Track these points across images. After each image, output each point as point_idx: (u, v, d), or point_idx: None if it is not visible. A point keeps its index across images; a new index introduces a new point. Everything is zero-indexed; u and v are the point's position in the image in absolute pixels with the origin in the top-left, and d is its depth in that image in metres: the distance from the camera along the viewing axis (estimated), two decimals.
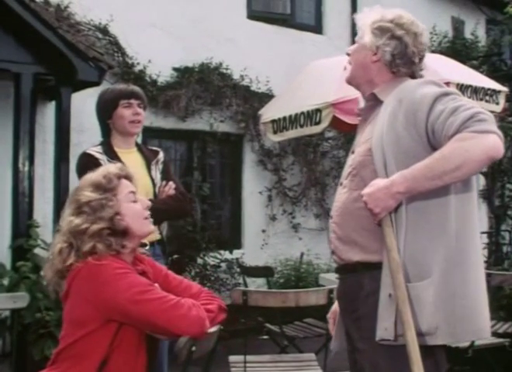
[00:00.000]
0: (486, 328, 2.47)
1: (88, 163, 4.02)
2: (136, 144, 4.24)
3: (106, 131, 4.18)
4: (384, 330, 2.36)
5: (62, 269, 2.53)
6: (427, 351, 2.34)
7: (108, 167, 2.71)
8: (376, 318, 2.39)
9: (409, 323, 2.27)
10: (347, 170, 2.63)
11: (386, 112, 2.47)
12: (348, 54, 2.72)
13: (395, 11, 2.62)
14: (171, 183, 4.07)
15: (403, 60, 2.58)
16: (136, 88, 4.22)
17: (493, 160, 2.30)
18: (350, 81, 2.74)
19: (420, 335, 2.33)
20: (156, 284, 2.58)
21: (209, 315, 2.58)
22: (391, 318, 2.35)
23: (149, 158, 4.17)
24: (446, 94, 2.40)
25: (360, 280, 2.49)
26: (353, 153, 2.64)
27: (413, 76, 2.62)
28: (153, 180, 4.09)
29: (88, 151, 4.09)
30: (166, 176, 4.18)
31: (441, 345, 2.44)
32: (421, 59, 2.62)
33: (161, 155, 4.27)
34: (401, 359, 2.30)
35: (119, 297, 2.42)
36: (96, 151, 4.06)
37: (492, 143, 2.25)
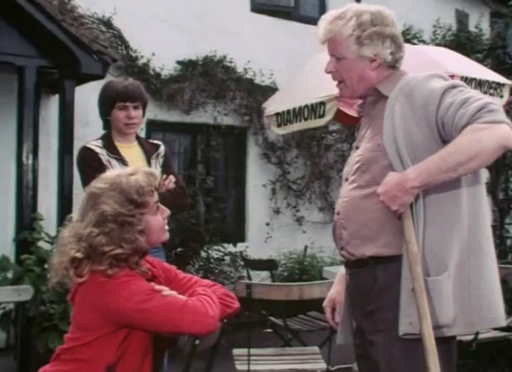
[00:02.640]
0: (502, 316, 2.49)
1: (87, 157, 4.03)
2: (137, 138, 4.25)
3: (107, 126, 4.21)
4: (409, 325, 2.36)
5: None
6: (441, 342, 2.35)
7: (140, 180, 2.51)
8: (391, 310, 2.40)
9: (426, 315, 2.29)
10: (353, 165, 2.60)
11: (395, 108, 2.45)
12: (331, 72, 2.67)
13: (361, 9, 2.57)
14: (171, 176, 4.06)
15: (399, 52, 2.58)
16: (134, 88, 4.17)
17: (507, 150, 2.30)
18: (351, 97, 2.72)
19: (439, 327, 2.35)
20: (163, 286, 2.52)
21: (222, 303, 2.57)
22: (415, 313, 2.34)
23: (149, 152, 4.19)
24: (454, 86, 2.41)
25: (373, 273, 2.49)
26: (357, 148, 2.63)
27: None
28: None
29: (88, 145, 4.10)
30: (166, 169, 4.19)
31: (453, 336, 2.46)
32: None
33: (162, 148, 4.28)
34: (416, 351, 2.32)
35: (123, 306, 2.37)
36: (96, 145, 4.07)
37: (506, 133, 2.26)
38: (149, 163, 4.12)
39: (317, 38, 2.65)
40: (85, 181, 3.94)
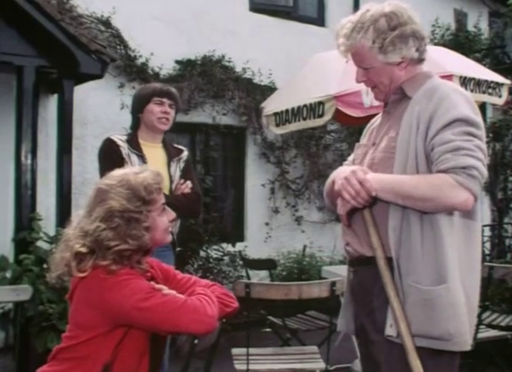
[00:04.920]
0: None
1: (108, 149, 4.10)
2: (163, 141, 4.32)
3: (136, 124, 4.28)
4: (389, 327, 2.41)
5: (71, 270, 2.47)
6: (442, 354, 2.41)
7: (148, 178, 2.54)
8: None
9: (402, 317, 2.36)
10: (367, 161, 2.60)
11: (414, 113, 2.46)
12: (362, 81, 2.66)
13: (375, 13, 2.52)
14: (188, 182, 4.17)
15: (423, 43, 2.57)
16: (172, 90, 4.33)
17: (453, 211, 2.38)
18: (385, 100, 2.68)
19: (434, 339, 2.38)
20: (163, 286, 2.52)
21: (221, 302, 2.58)
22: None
23: (171, 155, 4.27)
24: (466, 121, 2.37)
25: (375, 272, 2.49)
26: (374, 144, 2.63)
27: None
28: (170, 176, 4.15)
29: (111, 137, 4.20)
30: (186, 175, 4.26)
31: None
32: None
33: (185, 154, 4.38)
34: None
35: (123, 304, 2.37)
36: (119, 138, 4.17)
37: (462, 200, 2.31)
38: (169, 165, 4.19)
39: (339, 52, 2.64)
40: (102, 173, 3.99)
